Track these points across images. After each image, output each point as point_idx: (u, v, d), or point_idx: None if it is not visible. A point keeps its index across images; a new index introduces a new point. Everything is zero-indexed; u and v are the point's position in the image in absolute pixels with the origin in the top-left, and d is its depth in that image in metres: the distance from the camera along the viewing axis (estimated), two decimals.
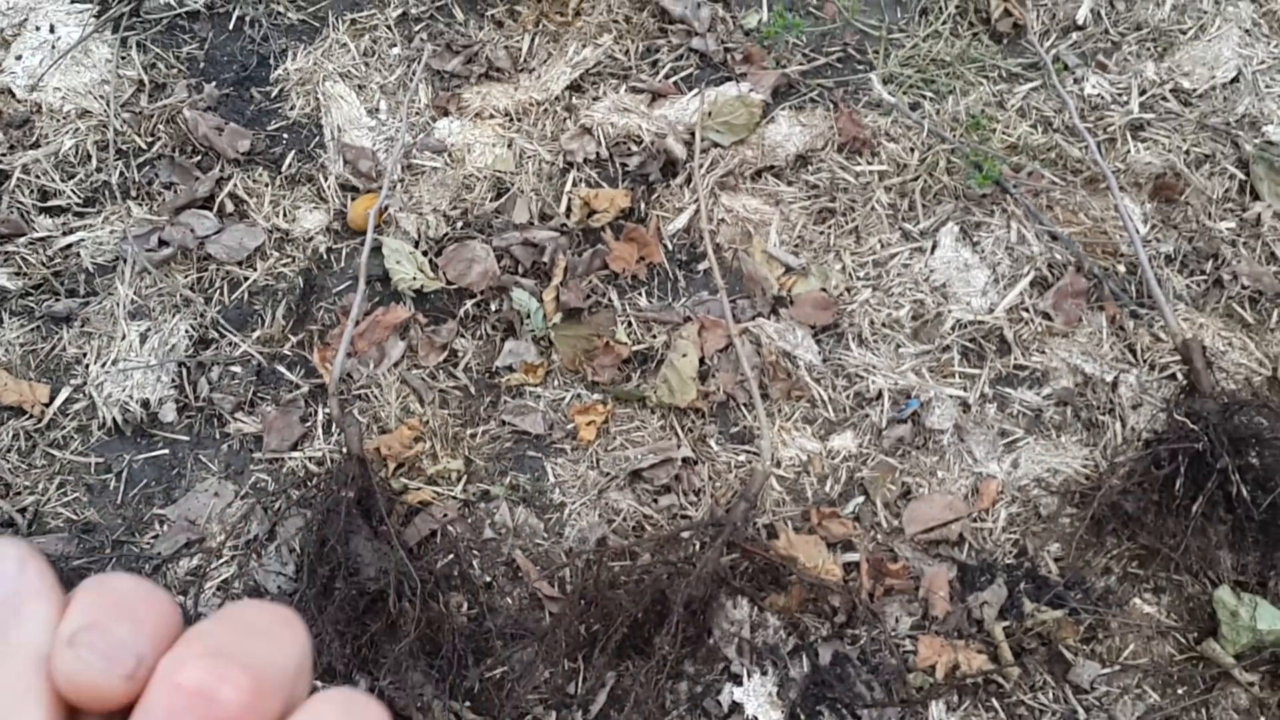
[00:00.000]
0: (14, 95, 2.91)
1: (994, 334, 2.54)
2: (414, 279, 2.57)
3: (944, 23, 3.05)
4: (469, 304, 2.59)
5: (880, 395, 2.46)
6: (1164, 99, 2.91)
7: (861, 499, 2.36)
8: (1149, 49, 3.02)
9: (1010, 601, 2.23)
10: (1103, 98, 2.92)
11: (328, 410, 2.45)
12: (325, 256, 2.68)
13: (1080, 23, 3.07)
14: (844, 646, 2.16)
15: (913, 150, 2.79)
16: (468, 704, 2.10)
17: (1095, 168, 2.73)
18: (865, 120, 2.84)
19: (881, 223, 2.70)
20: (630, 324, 2.58)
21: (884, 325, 2.56)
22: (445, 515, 2.32)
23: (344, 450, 2.29)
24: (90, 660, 0.45)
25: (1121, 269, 2.64)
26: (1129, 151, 2.81)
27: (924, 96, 2.92)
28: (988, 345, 2.53)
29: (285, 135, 2.88)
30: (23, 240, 2.69)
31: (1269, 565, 2.21)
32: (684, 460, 2.39)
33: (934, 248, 2.65)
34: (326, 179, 2.78)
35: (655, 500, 2.36)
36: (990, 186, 2.70)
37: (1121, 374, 2.48)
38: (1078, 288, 2.59)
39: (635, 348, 2.54)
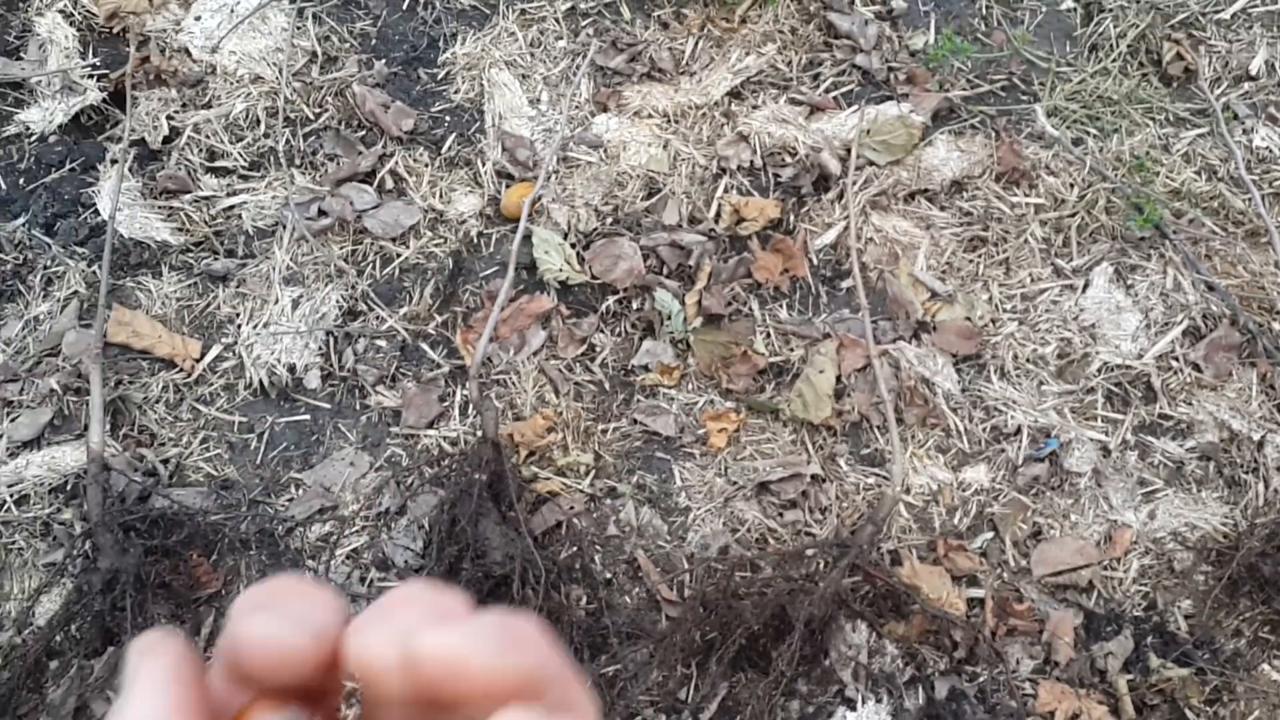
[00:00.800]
0: (190, 55, 2.99)
1: (1141, 380, 2.50)
2: (560, 270, 2.59)
3: (1114, 60, 3.00)
4: (611, 300, 2.60)
5: (1019, 431, 2.43)
6: None
7: (990, 535, 2.33)
8: None
9: (1136, 655, 2.19)
10: (1271, 151, 2.85)
11: (466, 392, 2.48)
12: (475, 240, 2.72)
13: (1253, 73, 2.99)
14: (962, 683, 2.14)
15: (1072, 186, 2.75)
16: None
17: (1258, 221, 2.66)
18: (1026, 151, 2.80)
19: (1034, 256, 2.66)
20: (769, 335, 2.57)
21: (1028, 361, 2.52)
22: (572, 508, 2.34)
23: (479, 433, 2.32)
24: (273, 621, 0.43)
25: (1277, 326, 2.57)
26: None
27: (1088, 133, 2.87)
28: (1134, 391, 2.49)
29: (448, 118, 2.92)
30: (188, 197, 2.77)
31: None
32: (813, 477, 2.38)
33: (1086, 286, 2.61)
34: (484, 164, 2.82)
35: (781, 514, 2.35)
36: (1149, 230, 2.65)
37: (1269, 434, 2.42)
38: (1230, 341, 2.53)
39: (772, 359, 2.53)
